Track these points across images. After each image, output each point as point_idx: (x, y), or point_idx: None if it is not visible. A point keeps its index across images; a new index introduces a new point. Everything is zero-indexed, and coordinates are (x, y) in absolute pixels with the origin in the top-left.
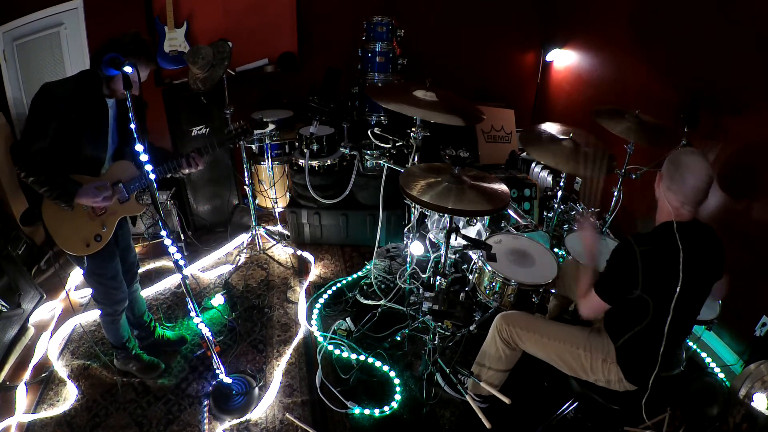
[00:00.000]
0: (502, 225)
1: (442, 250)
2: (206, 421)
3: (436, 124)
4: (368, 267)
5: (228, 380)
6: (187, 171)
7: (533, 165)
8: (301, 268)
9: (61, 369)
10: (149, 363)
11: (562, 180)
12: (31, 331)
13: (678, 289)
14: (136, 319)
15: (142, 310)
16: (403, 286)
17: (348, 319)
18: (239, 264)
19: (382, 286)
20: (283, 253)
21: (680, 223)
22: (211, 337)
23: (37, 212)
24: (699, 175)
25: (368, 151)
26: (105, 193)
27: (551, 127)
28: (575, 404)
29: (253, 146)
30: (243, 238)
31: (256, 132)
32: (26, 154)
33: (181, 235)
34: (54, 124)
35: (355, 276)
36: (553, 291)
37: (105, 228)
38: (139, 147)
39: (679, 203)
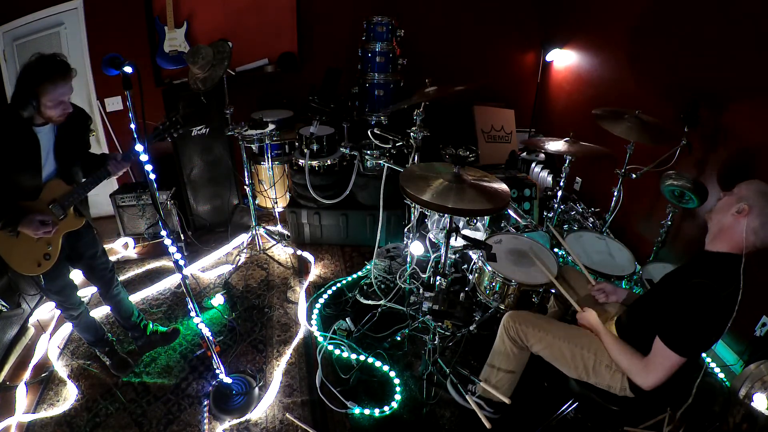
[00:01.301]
0: (502, 225)
1: (442, 250)
2: (206, 421)
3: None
4: (368, 267)
5: (228, 380)
6: (115, 175)
7: (533, 165)
8: (301, 268)
9: (61, 369)
10: (119, 361)
11: (562, 180)
12: (31, 331)
13: (729, 325)
14: (124, 321)
15: (129, 312)
16: (403, 286)
17: (348, 319)
18: (239, 264)
19: (382, 286)
20: (283, 253)
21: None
22: (211, 337)
23: None
24: None
25: (368, 151)
26: (45, 229)
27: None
28: (575, 404)
29: (253, 146)
30: (243, 238)
31: (256, 132)
32: None
33: (181, 235)
34: None
35: (355, 276)
36: (552, 291)
37: (50, 246)
38: (139, 147)
39: (755, 246)
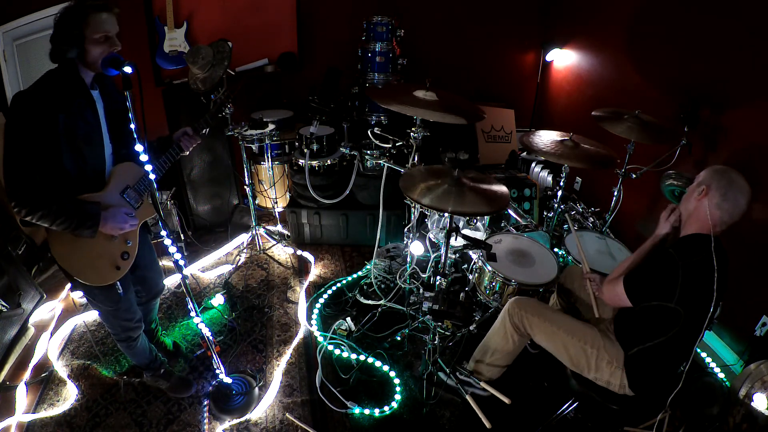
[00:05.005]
0: (502, 225)
1: (442, 250)
2: (206, 421)
3: (436, 124)
4: (368, 267)
5: (228, 380)
6: (187, 152)
7: (533, 165)
8: (301, 268)
9: (61, 369)
10: (179, 380)
11: (562, 180)
12: (31, 331)
13: (712, 309)
14: (145, 325)
15: (150, 319)
16: (403, 286)
17: (348, 319)
18: (239, 264)
19: (382, 286)
20: (283, 253)
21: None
22: (211, 337)
23: (48, 256)
24: (748, 199)
25: (368, 151)
26: (132, 221)
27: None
28: (575, 404)
29: (253, 146)
30: (243, 238)
31: (256, 132)
32: (22, 186)
33: (181, 235)
34: (41, 136)
35: (355, 276)
36: (553, 290)
37: (130, 242)
38: (138, 147)
39: (724, 222)
